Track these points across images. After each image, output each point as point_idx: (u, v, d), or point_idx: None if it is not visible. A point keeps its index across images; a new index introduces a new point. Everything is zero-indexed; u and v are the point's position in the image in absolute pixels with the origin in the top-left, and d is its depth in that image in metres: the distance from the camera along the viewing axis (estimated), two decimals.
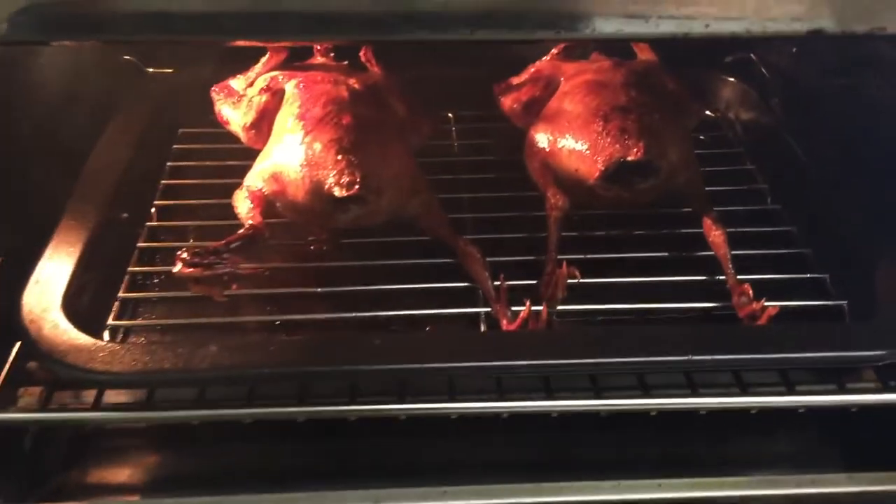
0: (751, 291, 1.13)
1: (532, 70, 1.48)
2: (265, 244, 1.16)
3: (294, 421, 1.01)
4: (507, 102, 1.44)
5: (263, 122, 1.30)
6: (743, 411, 1.06)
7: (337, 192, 1.11)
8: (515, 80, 1.48)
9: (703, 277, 1.23)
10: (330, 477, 1.05)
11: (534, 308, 1.10)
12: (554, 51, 1.50)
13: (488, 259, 1.19)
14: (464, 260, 1.20)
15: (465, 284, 1.20)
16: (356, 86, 1.30)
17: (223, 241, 1.08)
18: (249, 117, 1.32)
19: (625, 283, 1.21)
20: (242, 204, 1.19)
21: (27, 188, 1.21)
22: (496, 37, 0.81)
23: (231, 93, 1.40)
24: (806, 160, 1.41)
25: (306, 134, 1.18)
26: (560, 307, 1.15)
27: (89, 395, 1.01)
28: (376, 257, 1.24)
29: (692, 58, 1.51)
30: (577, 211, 1.28)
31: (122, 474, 1.06)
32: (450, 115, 1.62)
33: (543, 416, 1.04)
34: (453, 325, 1.17)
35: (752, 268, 1.21)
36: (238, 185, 1.22)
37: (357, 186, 1.10)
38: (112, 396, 1.03)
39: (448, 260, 1.22)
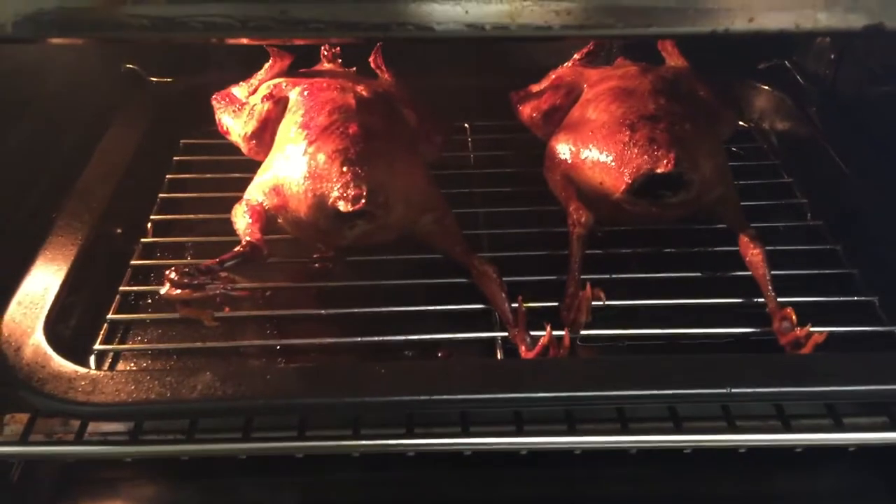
0: (794, 316, 1.08)
1: (552, 77, 1.46)
2: (264, 262, 1.13)
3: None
4: (526, 111, 1.43)
5: (265, 132, 1.28)
6: (787, 449, 1.03)
7: (342, 206, 1.06)
8: (535, 88, 1.46)
9: (740, 300, 1.18)
10: None
11: (555, 333, 1.06)
12: (576, 56, 1.49)
13: (505, 279, 1.15)
14: (479, 280, 1.16)
15: (481, 306, 1.16)
16: (364, 93, 1.26)
17: (217, 260, 1.06)
18: (250, 126, 1.30)
19: (654, 306, 1.18)
20: (241, 219, 1.16)
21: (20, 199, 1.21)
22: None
23: (232, 101, 1.39)
24: (848, 172, 1.37)
25: (310, 144, 1.14)
26: (583, 332, 1.12)
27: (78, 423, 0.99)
28: (385, 277, 1.21)
29: (723, 64, 1.47)
30: (602, 227, 1.25)
31: None
32: (465, 124, 1.59)
33: (566, 452, 1.01)
34: (467, 351, 1.14)
35: (793, 289, 1.16)
36: (239, 199, 1.19)
37: (364, 200, 1.06)
38: (102, 425, 1.00)
39: (462, 280, 1.19)
